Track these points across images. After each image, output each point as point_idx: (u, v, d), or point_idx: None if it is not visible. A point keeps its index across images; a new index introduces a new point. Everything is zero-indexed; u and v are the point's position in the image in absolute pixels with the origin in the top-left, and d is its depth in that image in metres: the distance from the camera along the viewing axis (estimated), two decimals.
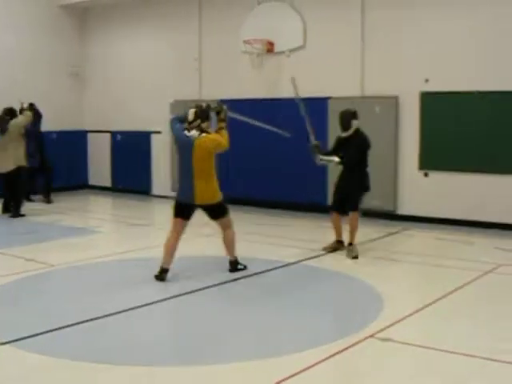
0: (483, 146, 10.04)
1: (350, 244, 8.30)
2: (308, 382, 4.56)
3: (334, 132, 10.49)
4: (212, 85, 12.93)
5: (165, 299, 6.47)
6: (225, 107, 7.32)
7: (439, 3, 10.35)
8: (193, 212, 7.22)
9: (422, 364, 4.92)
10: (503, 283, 7.16)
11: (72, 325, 5.62)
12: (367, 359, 5.04)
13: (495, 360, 4.85)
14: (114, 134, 14.77)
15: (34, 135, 12.54)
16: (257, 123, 8.36)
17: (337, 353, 4.99)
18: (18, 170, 11.23)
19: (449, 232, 9.81)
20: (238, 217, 8.69)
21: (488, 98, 9.93)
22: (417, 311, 6.05)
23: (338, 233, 8.56)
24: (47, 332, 5.44)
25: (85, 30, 15.17)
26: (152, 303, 6.30)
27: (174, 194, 13.16)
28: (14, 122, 11.32)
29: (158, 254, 7.23)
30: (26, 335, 5.34)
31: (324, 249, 8.52)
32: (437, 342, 5.26)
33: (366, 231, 9.52)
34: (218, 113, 7.25)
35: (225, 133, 7.16)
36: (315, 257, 8.23)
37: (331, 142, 10.18)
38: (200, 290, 6.76)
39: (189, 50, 13.26)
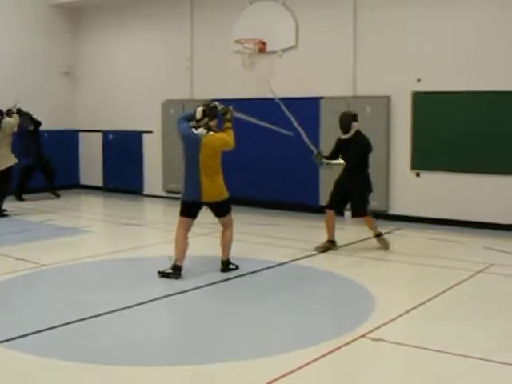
0: (475, 147, 10.06)
1: (380, 234, 8.61)
2: (300, 382, 4.55)
3: (326, 131, 10.55)
4: (203, 84, 12.91)
5: (156, 299, 6.44)
6: (231, 108, 7.44)
7: (431, 3, 10.36)
8: (199, 210, 7.29)
9: (413, 364, 4.92)
10: (494, 283, 7.17)
11: (63, 325, 5.59)
12: (359, 359, 5.04)
13: (487, 360, 4.85)
14: (105, 133, 14.71)
15: (28, 134, 12.64)
16: (261, 123, 8.43)
17: (328, 353, 4.98)
18: (10, 168, 11.29)
19: (440, 232, 9.83)
20: None
21: (480, 98, 9.95)
22: (408, 311, 6.05)
23: (331, 232, 8.58)
24: (38, 332, 5.40)
25: (77, 30, 15.11)
26: (144, 303, 6.27)
27: (165, 193, 13.40)
28: (6, 121, 11.36)
29: (149, 253, 7.22)
30: (16, 335, 5.30)
31: (316, 249, 8.52)
32: (428, 341, 5.25)
33: (358, 231, 9.54)
34: (223, 113, 7.35)
35: (231, 132, 7.29)
36: (307, 257, 8.23)
37: (323, 142, 10.25)
38: (192, 289, 6.74)
39: (180, 49, 13.23)
